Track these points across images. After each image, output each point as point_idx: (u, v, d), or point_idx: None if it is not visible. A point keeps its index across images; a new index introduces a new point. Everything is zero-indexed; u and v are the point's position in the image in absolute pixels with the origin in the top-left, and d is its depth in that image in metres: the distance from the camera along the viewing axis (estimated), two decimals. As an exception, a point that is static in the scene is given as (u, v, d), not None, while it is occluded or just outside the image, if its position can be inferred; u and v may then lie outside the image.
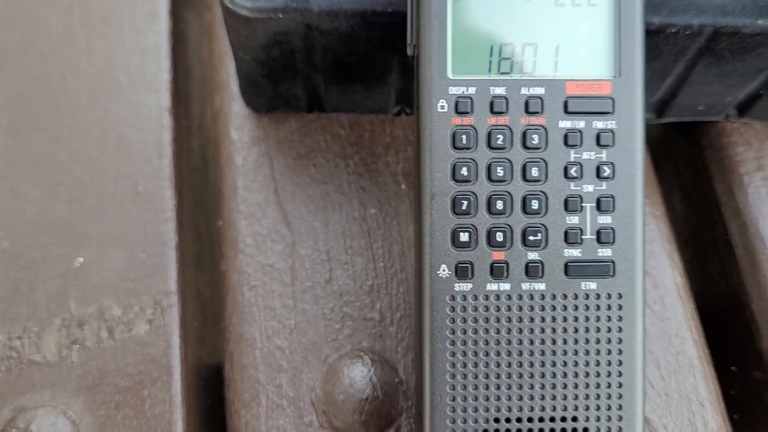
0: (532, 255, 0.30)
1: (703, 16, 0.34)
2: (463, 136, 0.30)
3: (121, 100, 0.43)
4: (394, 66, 0.37)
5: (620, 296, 0.30)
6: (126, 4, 0.45)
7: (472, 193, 0.30)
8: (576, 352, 0.30)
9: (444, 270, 0.30)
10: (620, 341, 0.30)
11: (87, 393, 0.37)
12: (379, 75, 0.38)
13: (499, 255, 0.30)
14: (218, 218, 0.41)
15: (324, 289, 0.39)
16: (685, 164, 0.47)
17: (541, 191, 0.30)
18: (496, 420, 0.30)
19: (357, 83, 0.39)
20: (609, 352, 0.30)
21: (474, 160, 0.30)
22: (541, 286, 0.30)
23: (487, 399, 0.30)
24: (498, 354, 0.30)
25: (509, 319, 0.30)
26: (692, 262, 0.46)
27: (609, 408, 0.30)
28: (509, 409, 0.30)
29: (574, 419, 0.30)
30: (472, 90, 0.30)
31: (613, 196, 0.30)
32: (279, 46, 0.36)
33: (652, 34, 0.35)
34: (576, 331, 0.30)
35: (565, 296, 0.30)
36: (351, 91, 0.40)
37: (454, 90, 0.30)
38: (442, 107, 0.30)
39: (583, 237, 0.30)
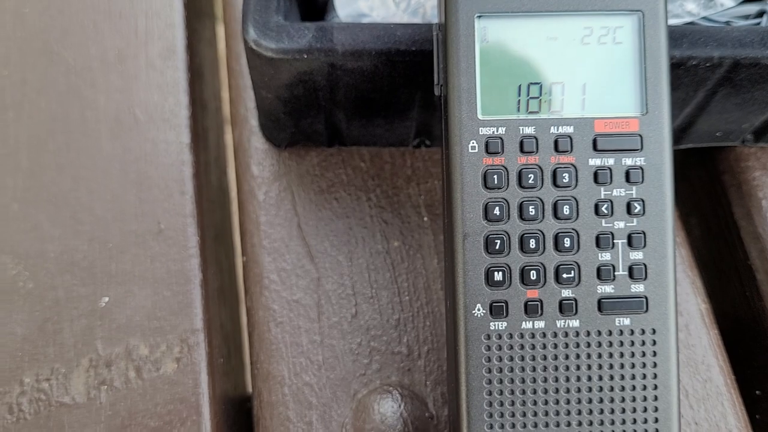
0: (566, 292, 0.30)
1: (723, 48, 0.35)
2: (495, 176, 0.30)
3: (140, 137, 0.43)
4: (417, 101, 0.38)
5: (654, 331, 0.31)
6: (142, 40, 0.46)
7: (505, 232, 0.30)
8: (612, 388, 0.31)
9: (479, 309, 0.30)
10: (655, 376, 0.31)
11: (116, 434, 0.37)
12: (402, 110, 0.38)
13: (533, 293, 0.30)
14: (242, 254, 0.41)
15: (351, 324, 0.39)
16: (702, 188, 0.47)
17: (573, 229, 0.30)
18: (534, 457, 0.30)
19: (379, 118, 0.39)
20: (644, 387, 0.31)
21: (506, 200, 0.30)
22: (575, 323, 0.30)
23: (524, 436, 0.31)
24: (534, 391, 0.30)
25: (545, 357, 0.30)
26: (712, 287, 0.46)
27: (645, 442, 0.31)
28: (546, 446, 0.30)
29: (611, 455, 0.31)
30: (502, 130, 0.30)
31: (644, 232, 0.30)
32: (303, 85, 0.36)
33: (673, 67, 0.35)
34: (611, 367, 0.31)
35: (599, 332, 0.30)
36: (372, 126, 0.40)
37: (485, 131, 0.30)
38: (473, 148, 0.30)
39: (615, 273, 0.31)
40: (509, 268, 0.30)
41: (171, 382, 0.38)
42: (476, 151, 0.30)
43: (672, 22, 0.38)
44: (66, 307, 0.39)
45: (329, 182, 0.42)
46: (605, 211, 0.30)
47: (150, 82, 0.45)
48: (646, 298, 0.31)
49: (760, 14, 0.38)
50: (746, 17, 0.38)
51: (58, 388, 0.38)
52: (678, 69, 0.35)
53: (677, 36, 0.35)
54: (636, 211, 0.30)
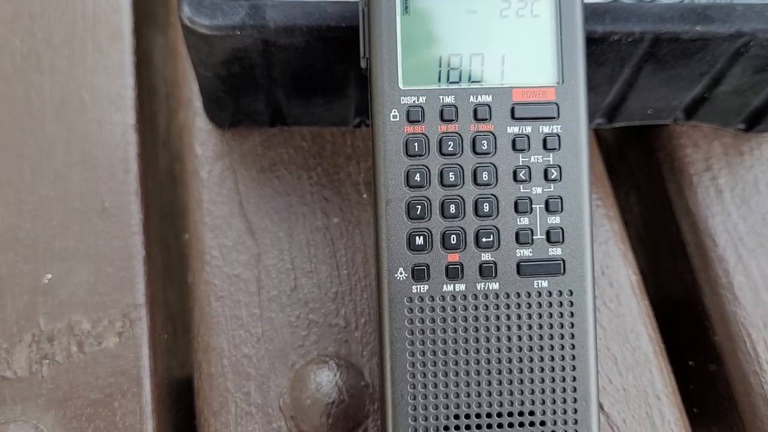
0: (486, 256, 0.31)
1: (644, 23, 0.36)
2: (416, 144, 0.31)
3: (85, 118, 0.44)
4: (352, 78, 0.39)
5: (571, 293, 0.32)
6: (89, 24, 0.46)
7: (426, 198, 0.31)
8: (530, 348, 0.32)
9: (401, 273, 0.31)
10: (572, 336, 0.32)
11: (58, 407, 0.38)
12: (338, 88, 0.39)
13: (453, 257, 0.31)
14: (185, 231, 0.42)
15: (289, 298, 0.40)
16: (639, 167, 0.49)
17: (492, 194, 0.31)
18: (456, 416, 0.31)
19: (317, 96, 0.40)
20: (562, 347, 0.32)
21: (426, 167, 0.31)
22: (494, 285, 0.31)
23: (447, 396, 0.31)
24: (456, 352, 0.31)
25: (465, 318, 0.31)
26: (649, 261, 0.47)
27: (564, 401, 0.32)
28: (468, 406, 0.31)
29: (531, 413, 0.32)
30: (422, 99, 0.31)
31: (561, 197, 0.32)
32: (239, 62, 0.37)
33: (597, 42, 0.36)
34: (530, 327, 0.32)
35: (518, 295, 0.31)
36: (312, 105, 0.41)
37: (406, 100, 0.31)
38: (395, 117, 0.31)
39: (533, 237, 0.32)
40: (430, 232, 0.31)
41: (112, 355, 0.39)
42: (398, 119, 0.31)
43: None
44: (9, 284, 0.40)
45: (271, 161, 0.43)
46: (523, 177, 0.31)
47: (96, 64, 0.45)
48: (563, 260, 0.32)
49: (684, -7, 0.39)
50: (671, -4, 0.40)
51: (0, 363, 0.38)
52: (602, 44, 0.36)
53: (600, 12, 0.36)
54: (553, 177, 0.32)
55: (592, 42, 0.36)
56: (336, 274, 0.40)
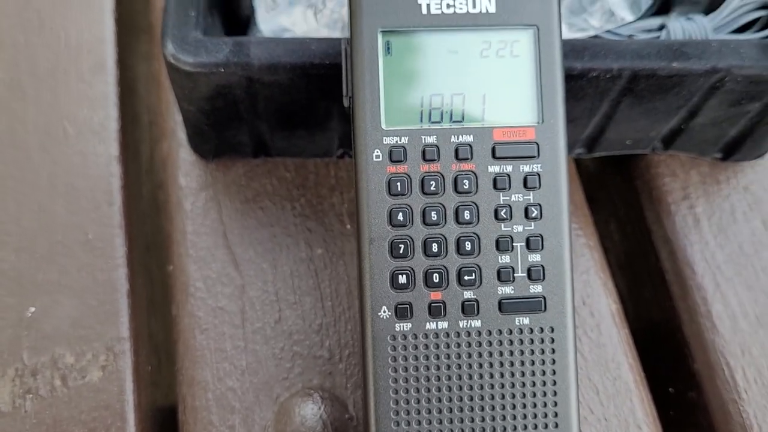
0: (468, 294, 0.32)
1: (622, 60, 0.36)
2: (398, 184, 0.31)
3: (69, 149, 0.44)
4: (335, 113, 0.39)
5: (552, 329, 0.32)
6: (73, 55, 0.46)
7: (409, 237, 0.32)
8: (512, 385, 0.32)
9: (384, 311, 0.32)
10: (554, 372, 0.32)
11: (41, 442, 0.38)
12: (321, 121, 0.40)
13: (436, 295, 0.32)
14: (169, 263, 0.42)
15: (274, 330, 0.40)
16: (618, 196, 0.49)
17: (474, 233, 0.32)
18: (439, 453, 0.32)
19: (301, 129, 0.41)
20: (544, 383, 0.32)
21: (409, 206, 0.32)
22: (477, 323, 0.32)
23: (430, 433, 0.32)
24: (439, 389, 0.32)
25: (448, 356, 0.32)
26: (629, 290, 0.48)
27: (546, 436, 0.32)
28: (451, 442, 0.32)
29: (514, 449, 0.32)
30: (405, 139, 0.32)
31: (541, 235, 0.32)
32: (222, 98, 0.37)
33: (576, 78, 0.37)
34: (512, 364, 0.32)
35: (500, 332, 0.32)
36: (295, 137, 0.41)
37: (388, 140, 0.32)
38: (377, 156, 0.31)
39: (515, 275, 0.32)
40: (413, 271, 0.32)
41: (96, 389, 0.39)
42: (380, 159, 0.32)
43: (577, 35, 0.40)
44: (-8, 318, 0.40)
45: (255, 192, 0.43)
46: (504, 216, 0.32)
47: (80, 95, 0.45)
48: (544, 298, 0.32)
49: (661, 28, 0.40)
50: (649, 31, 0.40)
51: (-18, 398, 0.38)
52: (581, 80, 0.37)
53: (579, 48, 0.37)
54: (533, 215, 0.32)
55: (571, 78, 0.37)
56: (320, 305, 0.41)
